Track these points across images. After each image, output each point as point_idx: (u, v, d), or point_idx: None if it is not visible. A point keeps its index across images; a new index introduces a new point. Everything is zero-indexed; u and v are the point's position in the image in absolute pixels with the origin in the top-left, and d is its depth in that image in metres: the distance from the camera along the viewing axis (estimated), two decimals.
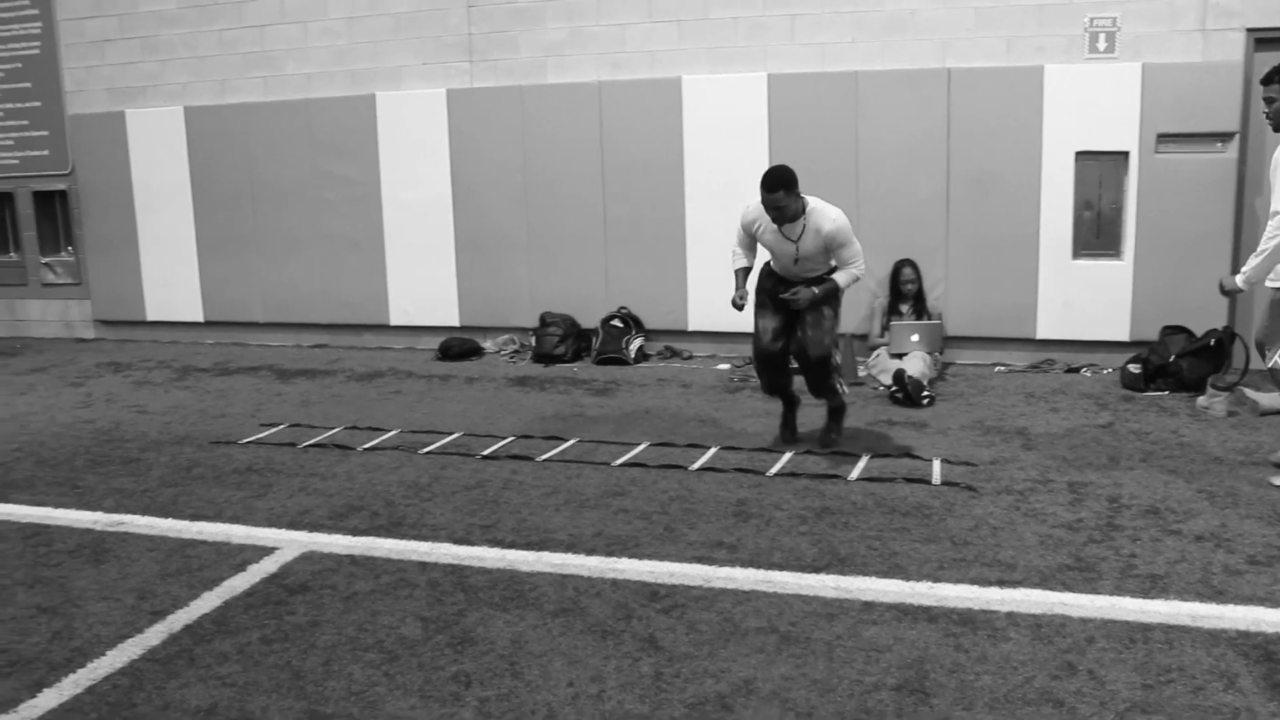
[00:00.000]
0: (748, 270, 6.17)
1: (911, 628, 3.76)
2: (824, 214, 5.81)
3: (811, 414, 6.63)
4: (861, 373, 8.03)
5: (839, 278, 5.91)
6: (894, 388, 7.28)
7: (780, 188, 5.66)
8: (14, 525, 5.32)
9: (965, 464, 5.75)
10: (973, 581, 4.16)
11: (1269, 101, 5.43)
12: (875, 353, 8.12)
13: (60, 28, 11.08)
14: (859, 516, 4.95)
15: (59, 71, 11.16)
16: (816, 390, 6.22)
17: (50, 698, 3.52)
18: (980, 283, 8.38)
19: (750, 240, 6.15)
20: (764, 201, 5.74)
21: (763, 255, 6.17)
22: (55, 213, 11.60)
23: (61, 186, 11.35)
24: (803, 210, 5.84)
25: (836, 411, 6.29)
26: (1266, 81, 5.44)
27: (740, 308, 6.02)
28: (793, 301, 5.91)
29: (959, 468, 5.68)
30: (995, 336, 8.47)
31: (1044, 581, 4.14)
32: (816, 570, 4.33)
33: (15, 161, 11.51)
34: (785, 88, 8.62)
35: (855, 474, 5.58)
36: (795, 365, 6.17)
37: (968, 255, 8.39)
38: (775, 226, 5.88)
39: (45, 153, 11.35)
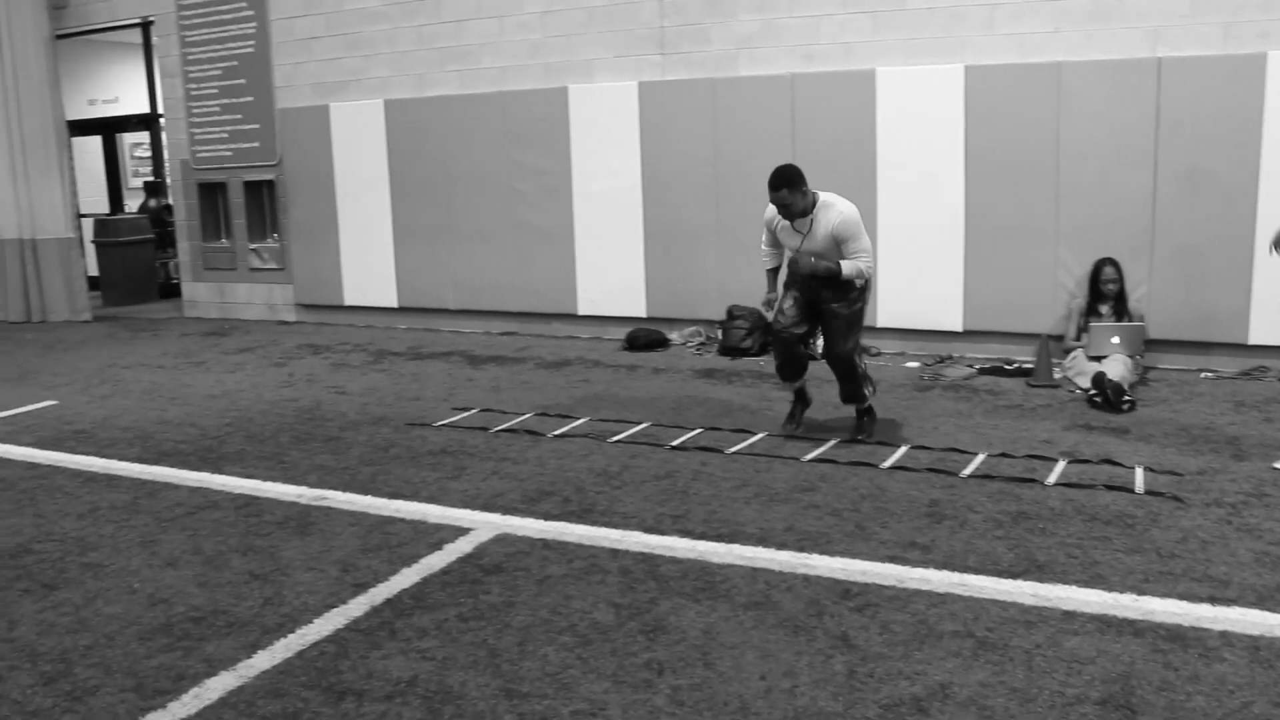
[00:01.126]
0: (776, 270, 6.52)
1: (1115, 641, 3.63)
2: (833, 208, 6.08)
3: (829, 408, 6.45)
4: (1057, 375, 7.76)
5: (844, 265, 6.07)
6: (1093, 391, 7.01)
7: (784, 185, 5.97)
8: (228, 495, 5.62)
9: (1170, 473, 5.49)
10: (1181, 596, 3.98)
11: None
12: (1072, 355, 7.84)
13: (272, 27, 11.63)
14: (1057, 523, 4.79)
15: (270, 68, 11.71)
16: (844, 395, 6.42)
17: (264, 659, 3.71)
18: (1187, 283, 8.00)
19: (773, 238, 6.40)
20: (770, 199, 6.06)
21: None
22: (263, 201, 12.21)
23: (269, 176, 11.93)
24: (813, 205, 6.10)
25: (862, 413, 6.46)
26: None
27: (771, 307, 6.42)
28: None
29: (1163, 477, 5.44)
30: (1202, 340, 8.07)
31: (1261, 601, 3.93)
32: (1014, 576, 4.22)
33: (229, 153, 12.14)
34: (983, 80, 8.39)
35: (1053, 479, 5.40)
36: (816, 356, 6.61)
37: (1174, 254, 8.01)
38: (788, 223, 6.16)
39: (256, 145, 11.93)
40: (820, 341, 6.53)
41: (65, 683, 3.58)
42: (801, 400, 6.66)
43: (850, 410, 6.52)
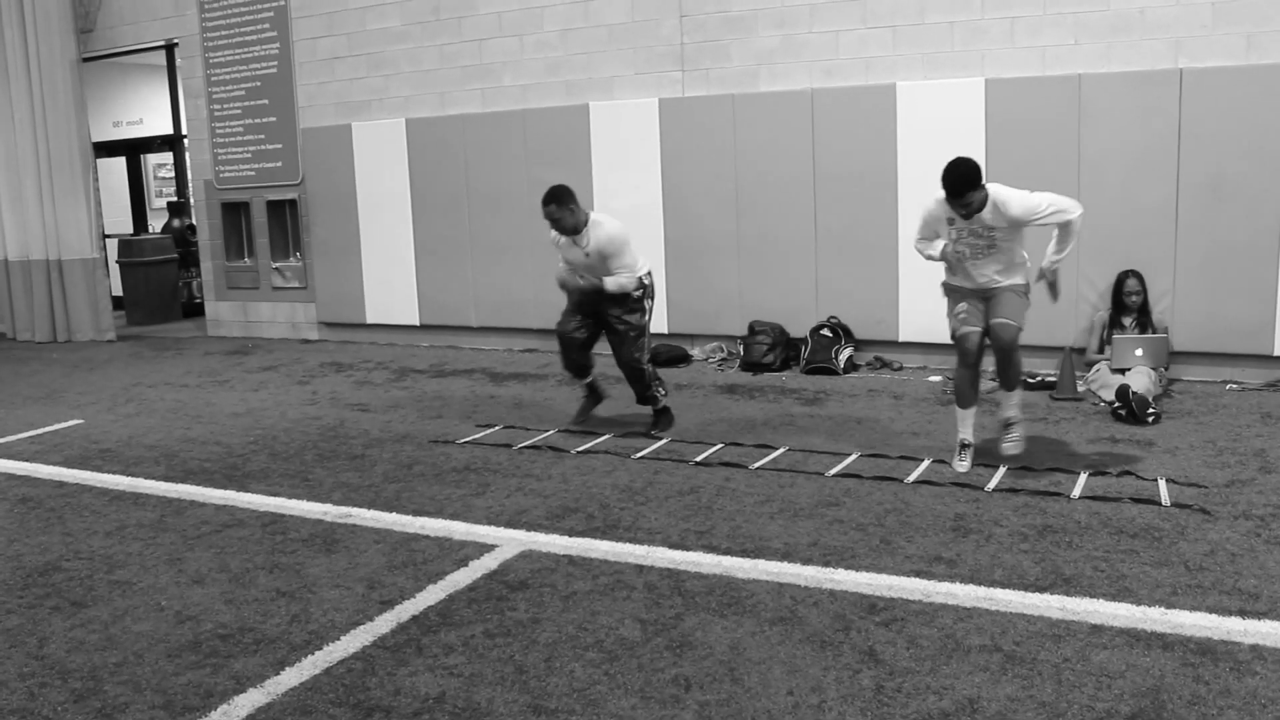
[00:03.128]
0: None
1: (1145, 654, 3.61)
2: (600, 226, 6.70)
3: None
4: (1081, 388, 7.73)
5: (607, 281, 6.71)
6: (1117, 404, 6.98)
7: (552, 201, 6.64)
8: (253, 513, 5.66)
9: (1195, 485, 5.46)
10: (1211, 610, 3.96)
11: None
12: (1095, 368, 7.80)
13: (295, 47, 11.72)
14: (1084, 536, 4.77)
15: (293, 88, 11.81)
16: (637, 397, 7.13)
17: (292, 676, 3.73)
18: (1211, 295, 7.96)
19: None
20: (543, 214, 6.74)
21: None
22: (285, 220, 12.28)
23: (292, 196, 12.01)
24: (584, 223, 6.72)
25: (658, 412, 7.09)
26: None
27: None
28: (570, 285, 6.93)
29: (1189, 489, 5.41)
30: (1227, 352, 8.02)
31: None
32: (1041, 590, 4.20)
33: (252, 173, 12.23)
34: (1004, 93, 8.39)
35: (1077, 492, 5.38)
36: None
37: (1198, 266, 7.98)
38: (568, 239, 6.80)
39: (279, 164, 12.02)
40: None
41: (95, 700, 3.60)
42: (593, 396, 7.35)
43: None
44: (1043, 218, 5.65)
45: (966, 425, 6.02)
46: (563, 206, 6.68)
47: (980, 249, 5.79)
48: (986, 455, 6.13)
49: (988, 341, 5.92)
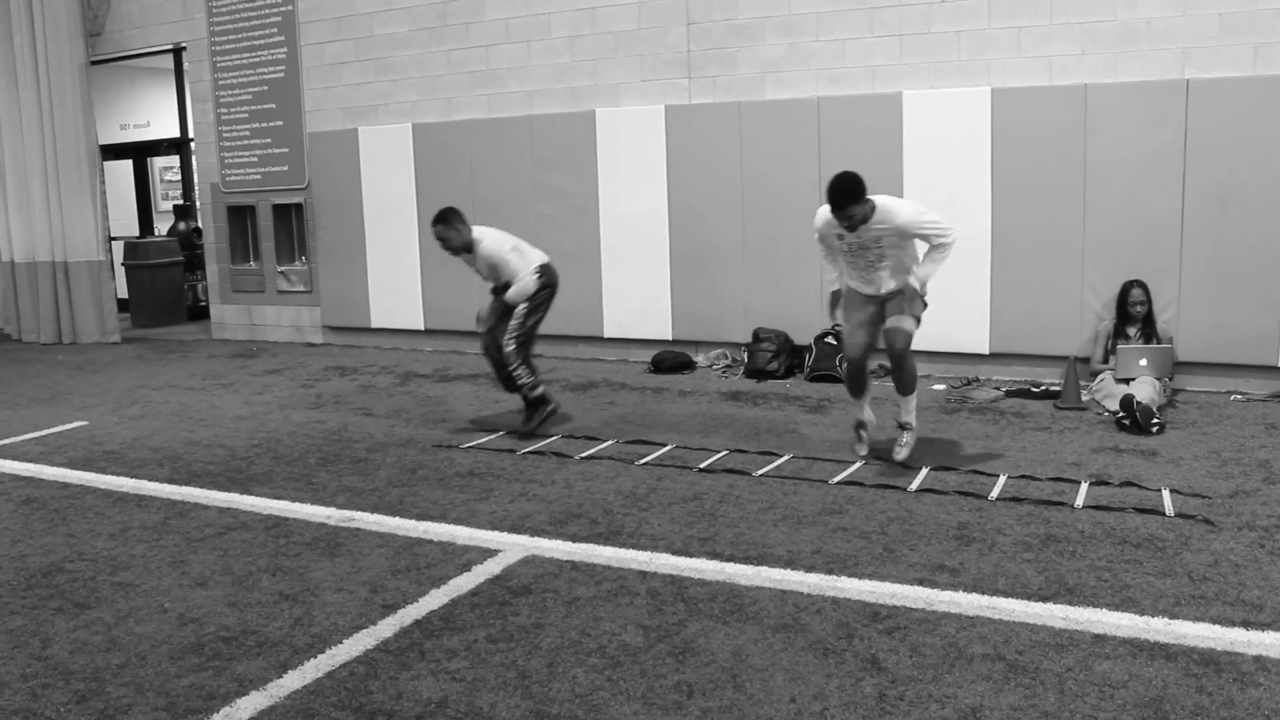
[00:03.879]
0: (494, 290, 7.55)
1: (1148, 665, 3.60)
2: (480, 243, 7.15)
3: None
4: (1085, 397, 7.72)
5: (508, 294, 7.21)
6: (1121, 413, 6.97)
7: (438, 223, 7.11)
8: (257, 516, 5.66)
9: (1199, 496, 5.46)
10: (1214, 620, 3.95)
11: None
12: (1099, 377, 7.80)
13: (303, 52, 11.75)
14: (1087, 546, 4.76)
15: (300, 92, 11.83)
16: (504, 385, 7.46)
17: (295, 679, 3.73)
18: (1217, 305, 7.95)
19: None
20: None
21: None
22: (291, 224, 12.30)
23: (298, 200, 12.02)
24: (471, 241, 7.17)
25: (528, 404, 7.31)
26: None
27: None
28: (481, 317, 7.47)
29: (1193, 500, 5.40)
30: (1232, 363, 8.02)
31: None
32: (1044, 599, 4.19)
33: (258, 177, 12.26)
34: (1010, 102, 8.40)
35: (1081, 501, 5.38)
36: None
37: (1203, 276, 7.97)
38: (464, 256, 7.27)
39: (285, 168, 12.05)
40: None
41: (98, 701, 3.60)
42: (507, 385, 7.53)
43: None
44: (926, 228, 5.87)
45: (861, 410, 6.49)
46: (449, 227, 7.11)
47: (872, 260, 6.03)
48: (986, 464, 6.13)
49: (883, 345, 6.23)
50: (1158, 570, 4.45)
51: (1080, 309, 8.32)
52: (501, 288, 7.35)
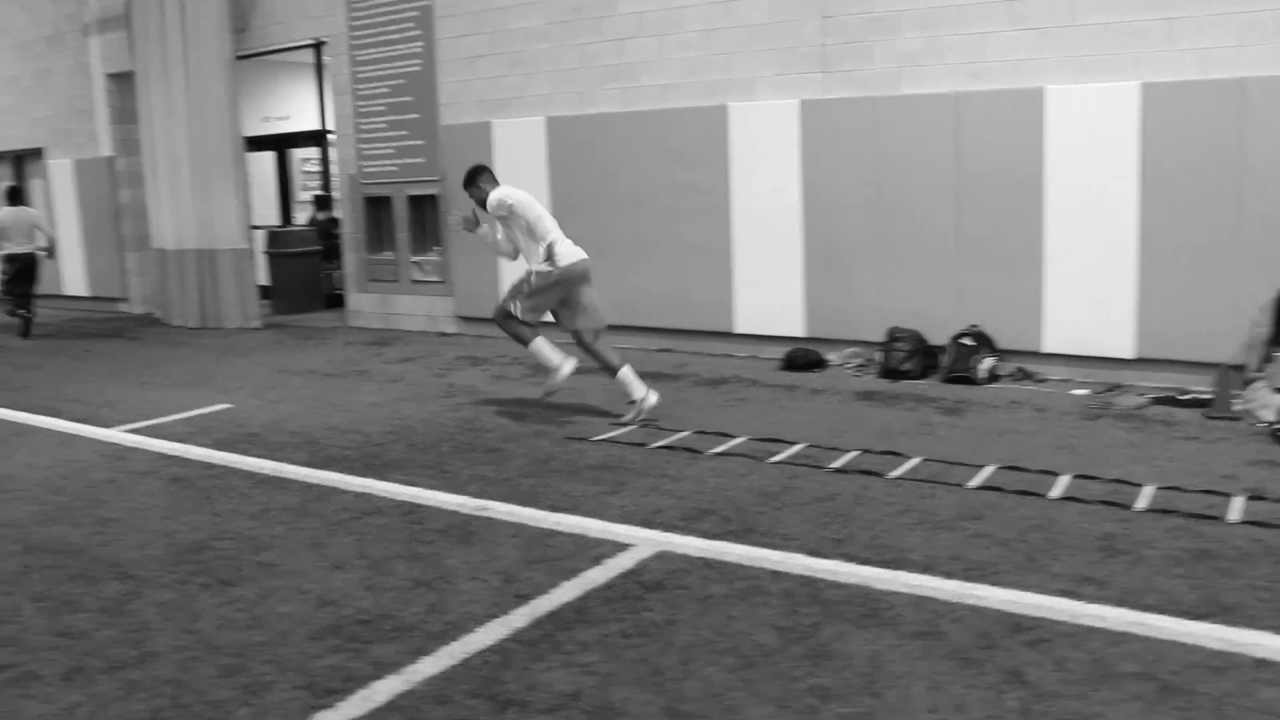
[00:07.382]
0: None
1: None
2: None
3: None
4: (1238, 407, 7.39)
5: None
6: (1277, 425, 6.65)
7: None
8: (392, 502, 5.75)
9: None
10: None
11: None
12: (1254, 386, 7.45)
13: (439, 46, 11.93)
14: (1244, 563, 4.54)
15: (435, 86, 12.01)
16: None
17: (429, 665, 3.77)
18: None
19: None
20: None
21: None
22: (425, 216, 12.50)
23: (433, 191, 12.21)
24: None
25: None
26: None
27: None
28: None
29: None
30: None
31: None
32: (1198, 618, 4.00)
33: (395, 168, 12.49)
34: (1161, 97, 8.07)
35: (1235, 515, 5.13)
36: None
37: None
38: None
39: (421, 160, 12.25)
40: None
41: (243, 676, 3.70)
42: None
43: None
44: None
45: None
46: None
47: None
48: (1131, 473, 5.90)
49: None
50: None
51: (1233, 314, 7.96)
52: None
